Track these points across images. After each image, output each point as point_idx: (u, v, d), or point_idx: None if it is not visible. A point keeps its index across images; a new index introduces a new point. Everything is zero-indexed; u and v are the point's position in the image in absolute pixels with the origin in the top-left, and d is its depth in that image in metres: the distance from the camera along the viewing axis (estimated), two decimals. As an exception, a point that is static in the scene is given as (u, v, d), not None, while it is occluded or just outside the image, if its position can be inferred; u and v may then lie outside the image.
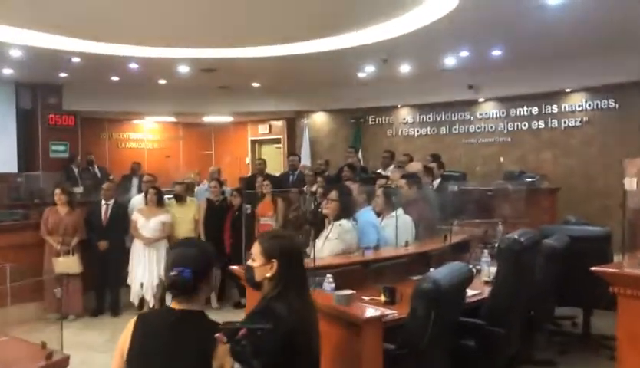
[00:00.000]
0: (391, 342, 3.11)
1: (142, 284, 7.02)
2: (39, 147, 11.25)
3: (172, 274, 2.10)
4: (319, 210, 4.64)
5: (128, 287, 7.16)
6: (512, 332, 3.79)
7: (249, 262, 2.43)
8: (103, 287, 7.22)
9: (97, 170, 11.47)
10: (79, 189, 9.56)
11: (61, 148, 11.49)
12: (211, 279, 2.24)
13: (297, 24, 7.56)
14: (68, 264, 6.83)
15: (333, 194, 4.47)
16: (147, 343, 2.07)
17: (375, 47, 8.17)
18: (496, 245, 4.99)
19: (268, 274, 2.34)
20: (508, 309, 3.70)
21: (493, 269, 4.39)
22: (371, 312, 2.90)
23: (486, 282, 4.36)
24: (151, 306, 7.19)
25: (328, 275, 3.48)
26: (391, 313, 3.28)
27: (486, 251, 4.80)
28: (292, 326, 2.18)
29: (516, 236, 3.74)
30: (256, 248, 2.41)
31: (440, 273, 3.22)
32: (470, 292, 3.78)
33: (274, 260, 2.34)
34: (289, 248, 2.42)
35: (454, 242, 5.13)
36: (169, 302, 2.20)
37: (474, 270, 4.47)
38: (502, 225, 5.99)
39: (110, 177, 10.54)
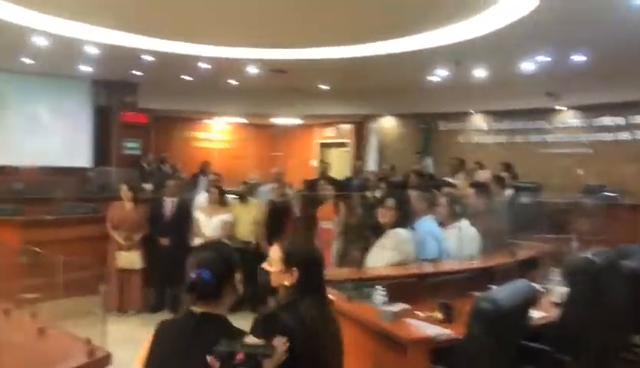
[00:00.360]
0: (445, 363, 2.88)
1: (201, 282, 7.00)
2: (113, 143, 11.60)
3: (191, 276, 2.00)
4: (375, 218, 4.42)
5: (189, 284, 7.17)
6: (581, 360, 3.44)
7: (265, 265, 2.31)
8: (163, 283, 7.26)
9: (168, 168, 11.68)
10: (149, 186, 9.72)
11: (134, 145, 11.80)
12: (235, 283, 2.11)
13: (367, 24, 7.38)
14: (131, 259, 6.93)
15: (390, 201, 4.23)
16: (166, 348, 1.99)
17: (448, 49, 7.87)
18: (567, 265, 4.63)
19: (287, 283, 2.22)
20: (578, 335, 3.35)
21: (564, 289, 4.05)
22: (418, 332, 2.66)
23: (556, 304, 4.01)
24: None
25: (380, 287, 3.26)
26: (444, 332, 3.03)
27: (556, 269, 4.43)
28: (302, 337, 2.04)
29: (589, 255, 3.39)
30: (276, 253, 2.29)
31: (502, 292, 2.95)
32: (536, 314, 3.47)
33: (294, 268, 2.22)
34: (311, 258, 2.30)
35: (523, 258, 4.77)
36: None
37: (543, 289, 4.15)
38: (576, 242, 5.58)
39: (179, 175, 10.69)
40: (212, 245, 2.24)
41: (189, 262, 2.06)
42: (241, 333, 1.96)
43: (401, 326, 2.70)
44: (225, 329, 1.97)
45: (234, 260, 2.13)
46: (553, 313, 3.75)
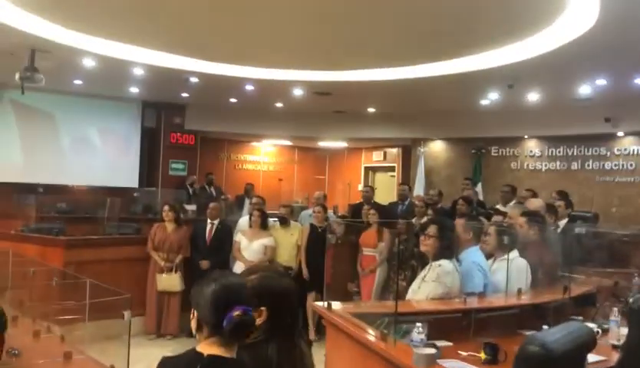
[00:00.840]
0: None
1: (241, 307, 6.87)
2: (159, 164, 11.70)
3: (235, 314, 1.69)
4: (414, 247, 4.16)
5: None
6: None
7: None
8: (202, 307, 7.14)
9: (213, 190, 11.68)
10: (192, 207, 9.71)
11: (180, 166, 11.89)
12: None
13: (415, 45, 7.17)
14: (171, 281, 6.86)
15: (432, 229, 3.93)
16: None
17: (500, 71, 7.55)
18: (628, 303, 4.24)
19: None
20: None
21: (624, 330, 3.68)
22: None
23: (614, 346, 3.65)
24: (249, 330, 7.03)
25: (420, 324, 3.00)
26: (488, 377, 2.75)
27: (616, 308, 4.05)
28: None
29: (654, 295, 3.03)
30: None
31: (552, 334, 2.62)
32: (592, 358, 3.13)
33: (263, 308, 1.95)
34: (282, 294, 2.03)
35: (578, 294, 4.40)
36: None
37: (600, 330, 3.79)
38: (638, 277, 5.16)
39: (223, 197, 10.66)
40: (232, 276, 1.93)
41: (218, 296, 1.75)
42: None
43: (438, 371, 2.43)
44: None
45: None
46: (612, 358, 3.40)
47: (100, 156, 11.06)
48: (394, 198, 9.95)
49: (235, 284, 1.81)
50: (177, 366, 1.77)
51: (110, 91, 10.56)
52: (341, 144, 14.08)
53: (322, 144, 14.04)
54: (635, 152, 10.03)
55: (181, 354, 1.78)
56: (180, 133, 11.85)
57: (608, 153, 10.35)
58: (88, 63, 7.94)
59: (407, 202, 8.49)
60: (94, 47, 7.43)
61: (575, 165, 10.73)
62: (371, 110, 11.46)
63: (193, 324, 1.81)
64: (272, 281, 2.07)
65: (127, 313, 3.15)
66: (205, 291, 1.77)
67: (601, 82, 8.05)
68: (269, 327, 1.94)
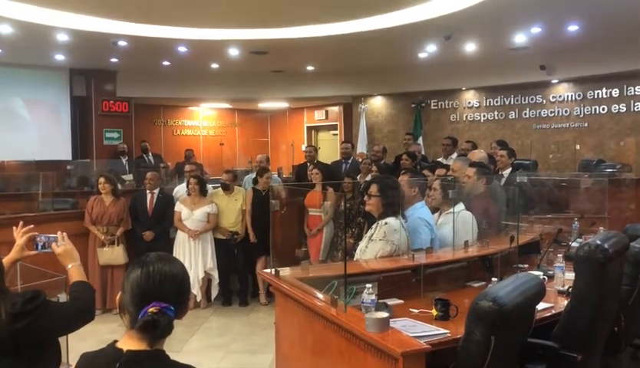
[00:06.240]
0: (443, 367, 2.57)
1: (187, 278, 6.73)
2: (93, 134, 11.21)
3: (150, 310, 1.51)
4: (361, 204, 4.08)
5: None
6: (592, 355, 3.14)
7: None
8: (147, 279, 6.94)
9: (151, 158, 11.30)
10: (129, 177, 9.37)
11: (115, 135, 11.43)
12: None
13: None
14: (113, 254, 6.66)
15: (373, 188, 3.86)
16: None
17: (437, 22, 7.49)
18: (573, 248, 4.31)
19: None
20: (588, 329, 3.04)
21: (569, 276, 3.74)
22: (410, 342, 2.31)
23: (560, 292, 3.71)
24: (198, 300, 6.89)
25: (368, 285, 2.92)
26: (441, 334, 2.71)
27: (560, 254, 4.12)
28: None
29: (598, 241, 3.05)
30: None
31: (504, 288, 2.61)
32: (539, 306, 3.15)
33: None
34: None
35: (523, 243, 4.44)
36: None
37: (546, 277, 3.84)
38: (578, 222, 5.29)
39: (162, 165, 10.33)
40: (167, 258, 1.67)
41: (139, 285, 1.57)
42: None
43: (391, 335, 2.36)
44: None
45: (189, 281, 1.70)
46: (558, 304, 3.45)
47: (28, 129, 10.50)
48: (337, 156, 9.88)
49: (163, 274, 1.59)
50: (96, 363, 1.60)
51: (34, 59, 9.95)
52: (282, 104, 13.84)
53: (263, 105, 13.76)
54: (569, 99, 10.26)
55: (101, 350, 1.60)
56: (113, 100, 11.34)
57: (544, 101, 10.57)
58: (5, 29, 7.40)
59: (350, 160, 8.43)
60: (9, 12, 6.92)
61: (512, 115, 10.92)
62: (310, 68, 11.27)
63: (118, 305, 1.64)
64: None
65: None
66: (130, 276, 1.60)
67: (536, 30, 8.12)
68: None
